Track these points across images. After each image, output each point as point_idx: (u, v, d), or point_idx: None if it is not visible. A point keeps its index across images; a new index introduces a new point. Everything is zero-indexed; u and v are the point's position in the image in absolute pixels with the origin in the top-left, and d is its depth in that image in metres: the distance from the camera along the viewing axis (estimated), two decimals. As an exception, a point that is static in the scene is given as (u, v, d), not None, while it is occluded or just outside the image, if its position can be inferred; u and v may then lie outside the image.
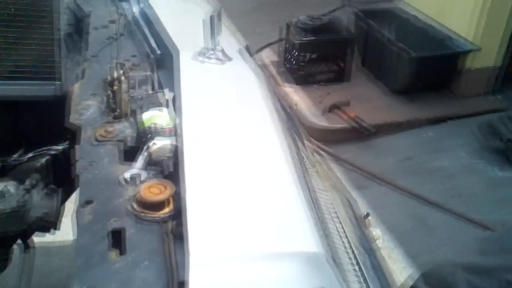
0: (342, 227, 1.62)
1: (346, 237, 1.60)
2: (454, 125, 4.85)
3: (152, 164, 1.27)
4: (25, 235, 1.86)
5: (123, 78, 1.52)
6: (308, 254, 1.01)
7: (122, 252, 1.02)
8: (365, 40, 5.20)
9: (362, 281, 1.47)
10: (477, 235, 3.65)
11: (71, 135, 1.42)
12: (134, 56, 1.82)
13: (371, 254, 1.68)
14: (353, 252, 1.55)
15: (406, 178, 4.18)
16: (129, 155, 1.33)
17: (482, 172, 4.30)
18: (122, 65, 1.61)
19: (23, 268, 1.73)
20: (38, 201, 1.77)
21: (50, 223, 1.80)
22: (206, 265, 0.93)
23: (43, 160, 1.98)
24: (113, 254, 1.02)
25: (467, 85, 5.02)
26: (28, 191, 1.79)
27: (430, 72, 4.81)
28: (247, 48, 2.05)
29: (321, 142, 4.37)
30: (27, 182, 1.82)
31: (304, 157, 1.82)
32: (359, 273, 1.49)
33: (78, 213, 1.11)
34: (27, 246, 1.85)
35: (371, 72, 5.24)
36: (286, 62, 5.20)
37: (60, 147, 2.00)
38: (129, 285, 0.94)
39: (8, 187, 2.18)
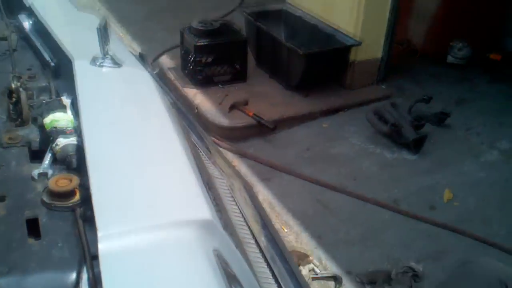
0: (239, 208, 1.81)
1: (243, 216, 1.79)
2: (346, 115, 5.22)
3: (58, 162, 1.40)
4: None
5: (21, 89, 1.62)
6: (202, 221, 1.19)
7: (38, 237, 1.15)
8: (258, 41, 5.47)
9: (259, 251, 1.66)
10: (374, 213, 4.01)
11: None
12: (29, 69, 1.92)
13: (266, 229, 1.88)
14: (249, 228, 1.73)
15: (306, 167, 4.46)
16: (36, 157, 1.46)
17: (374, 156, 4.68)
18: (19, 77, 1.72)
19: None
20: None
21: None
22: (113, 237, 1.08)
23: None
24: (30, 240, 1.14)
25: (354, 77, 5.42)
26: None
27: (320, 67, 5.15)
28: (142, 56, 2.20)
29: (225, 141, 4.58)
30: None
31: (200, 149, 1.99)
32: (255, 245, 1.68)
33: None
34: None
35: (266, 72, 5.52)
36: (184, 68, 5.35)
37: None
38: (47, 263, 1.08)
39: None
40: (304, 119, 5.00)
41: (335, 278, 3.12)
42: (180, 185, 1.30)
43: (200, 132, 2.17)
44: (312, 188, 4.25)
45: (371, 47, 5.33)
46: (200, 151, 1.93)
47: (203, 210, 1.21)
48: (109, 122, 1.50)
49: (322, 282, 3.33)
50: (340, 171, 4.47)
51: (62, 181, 1.26)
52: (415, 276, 3.23)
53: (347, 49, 5.20)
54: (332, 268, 3.45)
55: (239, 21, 5.76)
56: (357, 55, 5.29)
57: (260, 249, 1.66)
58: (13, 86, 1.64)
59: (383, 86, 5.61)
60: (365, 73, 5.46)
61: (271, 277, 1.53)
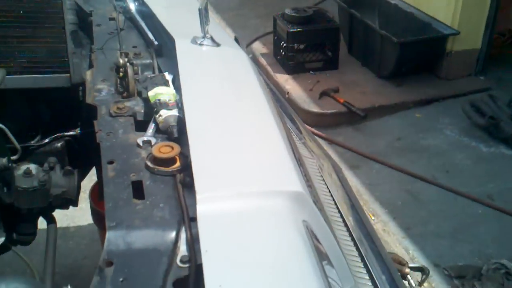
0: (327, 187, 1.83)
1: (331, 195, 1.80)
2: (440, 106, 5.07)
3: (161, 131, 1.50)
4: (47, 211, 2.09)
5: (128, 64, 1.74)
6: (294, 192, 1.23)
7: (142, 198, 1.24)
8: (350, 29, 5.42)
9: (346, 231, 1.67)
10: (466, 208, 3.88)
11: (90, 112, 1.64)
12: (135, 47, 2.04)
13: (354, 210, 1.89)
14: (337, 207, 1.75)
15: (396, 157, 4.40)
16: (140, 126, 1.56)
17: (468, 149, 4.53)
18: (127, 54, 1.84)
19: (48, 239, 1.96)
20: (57, 180, 1.99)
21: (69, 201, 2.03)
22: (210, 201, 1.15)
23: (59, 144, 2.21)
24: (135, 200, 1.24)
25: (451, 68, 5.24)
26: (47, 172, 2.00)
27: (414, 56, 5.03)
28: (236, 40, 2.27)
29: (314, 128, 4.60)
30: (46, 164, 2.04)
31: (291, 129, 2.03)
32: (343, 224, 1.69)
33: (104, 169, 1.33)
34: (49, 221, 2.08)
35: (358, 60, 5.46)
36: (276, 54, 5.42)
37: (72, 133, 2.23)
38: (149, 221, 1.16)
39: (30, 168, 2.42)
40: (396, 108, 4.91)
41: (422, 270, 3.06)
42: (274, 158, 1.35)
43: (291, 114, 2.21)
44: (401, 178, 4.19)
45: (470, 37, 5.12)
46: (291, 131, 1.97)
47: (295, 182, 1.25)
48: (208, 96, 1.57)
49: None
50: (431, 162, 4.36)
51: (165, 149, 1.34)
52: (508, 274, 3.10)
53: (443, 38, 5.04)
54: (420, 260, 3.38)
55: (332, 9, 5.73)
56: (454, 45, 5.11)
57: (348, 228, 1.67)
58: (120, 62, 1.76)
59: (482, 78, 5.37)
60: (462, 64, 5.26)
61: (358, 256, 1.54)
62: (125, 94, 1.71)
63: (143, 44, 2.08)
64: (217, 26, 2.42)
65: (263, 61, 5.52)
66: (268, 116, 1.50)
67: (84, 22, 2.44)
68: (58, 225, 2.16)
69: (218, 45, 1.89)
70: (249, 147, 1.38)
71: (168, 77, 1.71)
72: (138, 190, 1.27)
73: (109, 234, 1.12)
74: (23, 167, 2.41)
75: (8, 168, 2.09)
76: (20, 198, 2.32)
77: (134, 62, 1.88)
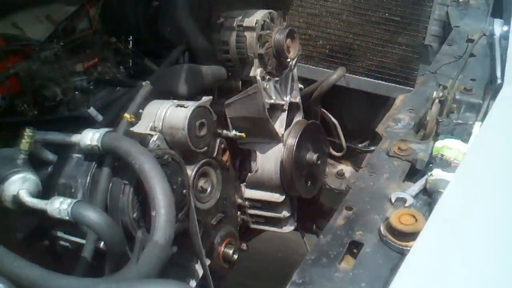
0: None
1: None
2: None
3: (426, 194, 1.25)
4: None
5: (437, 100, 1.50)
6: None
7: (351, 263, 1.07)
8: None
9: None
10: None
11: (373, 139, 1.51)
12: (473, 80, 1.75)
13: None
14: None
15: None
16: (411, 176, 1.34)
17: None
18: (444, 87, 1.59)
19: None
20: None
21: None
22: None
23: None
24: (342, 262, 1.08)
25: None
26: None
27: None
28: None
29: None
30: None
31: None
32: None
33: (338, 211, 1.21)
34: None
35: None
36: None
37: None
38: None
39: (343, 170, 2.44)
40: None
41: None
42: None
43: None
44: None
45: None
46: None
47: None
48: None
49: None
50: None
51: (406, 218, 1.11)
52: None
53: None
54: None
55: None
56: None
57: None
58: (434, 94, 1.53)
59: None
60: None
61: None
62: (421, 133, 1.49)
63: (486, 79, 1.77)
64: None
65: None
66: None
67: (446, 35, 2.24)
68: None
69: None
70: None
71: (478, 128, 1.41)
72: (352, 252, 1.10)
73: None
74: (339, 167, 2.45)
75: (316, 165, 2.15)
76: (325, 196, 2.38)
77: (459, 97, 1.62)
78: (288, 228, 2.19)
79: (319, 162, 2.13)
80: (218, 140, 2.01)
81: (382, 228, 1.14)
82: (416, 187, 1.28)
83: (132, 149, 1.23)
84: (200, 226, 1.66)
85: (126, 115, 1.37)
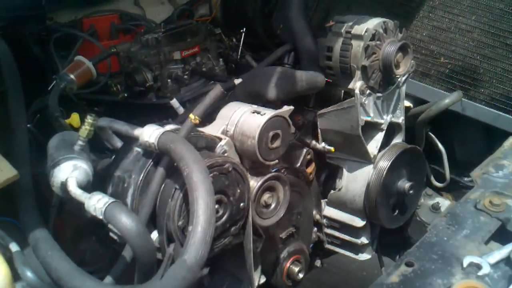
0: None
1: None
2: None
3: (509, 263, 1.04)
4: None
5: None
6: None
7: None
8: None
9: None
10: None
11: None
12: None
13: None
14: None
15: None
16: (500, 240, 1.13)
17: None
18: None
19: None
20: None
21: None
22: None
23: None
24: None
25: None
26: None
27: None
28: None
29: None
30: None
31: None
32: None
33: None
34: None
35: None
36: None
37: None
38: None
39: (439, 204, 2.23)
40: None
41: None
42: None
43: None
44: None
45: None
46: None
47: None
48: None
49: None
50: None
51: (470, 292, 0.93)
52: None
53: None
54: None
55: None
56: None
57: None
58: None
59: None
60: None
61: None
62: (525, 188, 1.26)
63: None
64: None
65: None
66: None
67: None
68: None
69: None
70: None
71: None
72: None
73: None
74: (435, 200, 2.23)
75: (407, 194, 1.96)
76: (413, 228, 2.20)
77: None
78: (365, 256, 2.02)
79: (411, 191, 1.92)
80: (304, 150, 1.91)
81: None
82: (498, 253, 1.07)
83: (185, 155, 1.16)
84: (260, 241, 1.56)
85: (191, 116, 1.30)
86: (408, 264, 1.06)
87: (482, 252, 1.09)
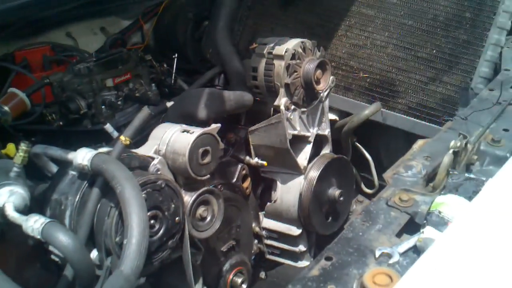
0: None
1: None
2: None
3: (416, 251, 1.17)
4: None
5: (451, 151, 1.40)
6: None
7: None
8: None
9: None
10: None
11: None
12: (506, 130, 1.62)
13: None
14: None
15: None
16: (410, 231, 1.26)
17: None
18: (464, 137, 1.47)
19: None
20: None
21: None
22: None
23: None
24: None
25: None
26: None
27: None
28: None
29: None
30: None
31: None
32: None
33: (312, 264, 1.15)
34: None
35: None
36: None
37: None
38: None
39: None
40: None
41: None
42: None
43: None
44: None
45: None
46: None
47: None
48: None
49: None
50: None
51: (380, 278, 1.04)
52: None
53: None
54: None
55: None
56: None
57: None
58: (451, 143, 1.43)
59: None
60: None
61: None
62: (431, 185, 1.40)
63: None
64: None
65: None
66: None
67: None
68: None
69: None
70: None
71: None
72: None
73: None
74: (367, 202, 2.35)
75: (338, 201, 2.07)
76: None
77: (484, 148, 1.51)
78: (304, 263, 2.12)
79: (341, 198, 2.05)
80: (239, 166, 2.00)
81: (355, 286, 1.08)
82: (406, 243, 1.20)
83: (116, 173, 1.24)
84: (200, 254, 1.64)
85: (122, 138, 1.38)
86: (327, 258, 1.17)
87: (393, 243, 1.21)
